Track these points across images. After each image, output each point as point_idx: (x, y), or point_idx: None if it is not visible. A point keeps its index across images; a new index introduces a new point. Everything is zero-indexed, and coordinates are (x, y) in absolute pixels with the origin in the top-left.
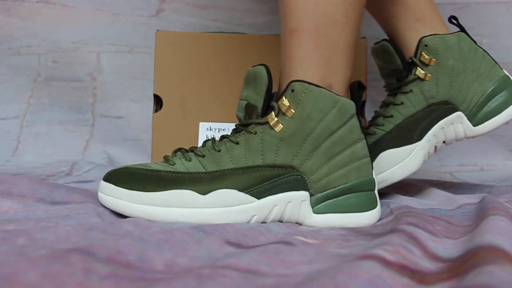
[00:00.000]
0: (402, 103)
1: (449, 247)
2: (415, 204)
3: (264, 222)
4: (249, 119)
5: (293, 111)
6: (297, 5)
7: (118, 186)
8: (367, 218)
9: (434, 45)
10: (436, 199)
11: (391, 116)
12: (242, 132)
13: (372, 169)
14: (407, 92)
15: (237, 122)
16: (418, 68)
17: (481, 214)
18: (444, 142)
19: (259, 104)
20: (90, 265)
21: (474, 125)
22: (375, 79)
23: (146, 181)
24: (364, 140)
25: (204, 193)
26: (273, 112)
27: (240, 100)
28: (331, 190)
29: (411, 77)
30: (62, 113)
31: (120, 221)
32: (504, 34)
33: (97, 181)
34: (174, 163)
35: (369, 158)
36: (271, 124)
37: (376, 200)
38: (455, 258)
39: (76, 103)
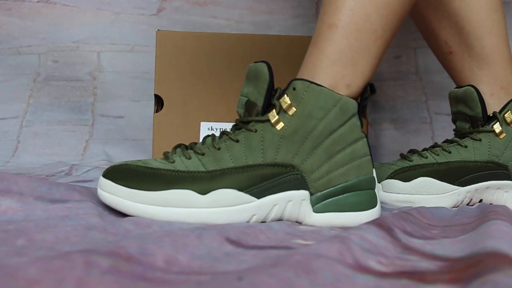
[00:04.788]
0: (466, 146)
1: (448, 246)
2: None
3: (264, 222)
4: (249, 116)
5: (295, 109)
6: (343, 4)
7: (117, 183)
8: (367, 217)
9: None
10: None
11: (450, 152)
12: (242, 129)
13: (373, 167)
14: (476, 140)
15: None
16: (498, 123)
17: (481, 214)
18: (481, 200)
19: (260, 102)
20: (90, 259)
21: None
22: (377, 79)
23: (146, 179)
24: (365, 139)
25: (203, 192)
26: (274, 110)
27: (241, 96)
28: (331, 188)
29: (487, 128)
30: (62, 112)
31: (120, 220)
32: None
33: (97, 181)
34: (174, 161)
35: (369, 157)
36: (272, 121)
37: (376, 199)
38: (456, 258)
39: (76, 103)
